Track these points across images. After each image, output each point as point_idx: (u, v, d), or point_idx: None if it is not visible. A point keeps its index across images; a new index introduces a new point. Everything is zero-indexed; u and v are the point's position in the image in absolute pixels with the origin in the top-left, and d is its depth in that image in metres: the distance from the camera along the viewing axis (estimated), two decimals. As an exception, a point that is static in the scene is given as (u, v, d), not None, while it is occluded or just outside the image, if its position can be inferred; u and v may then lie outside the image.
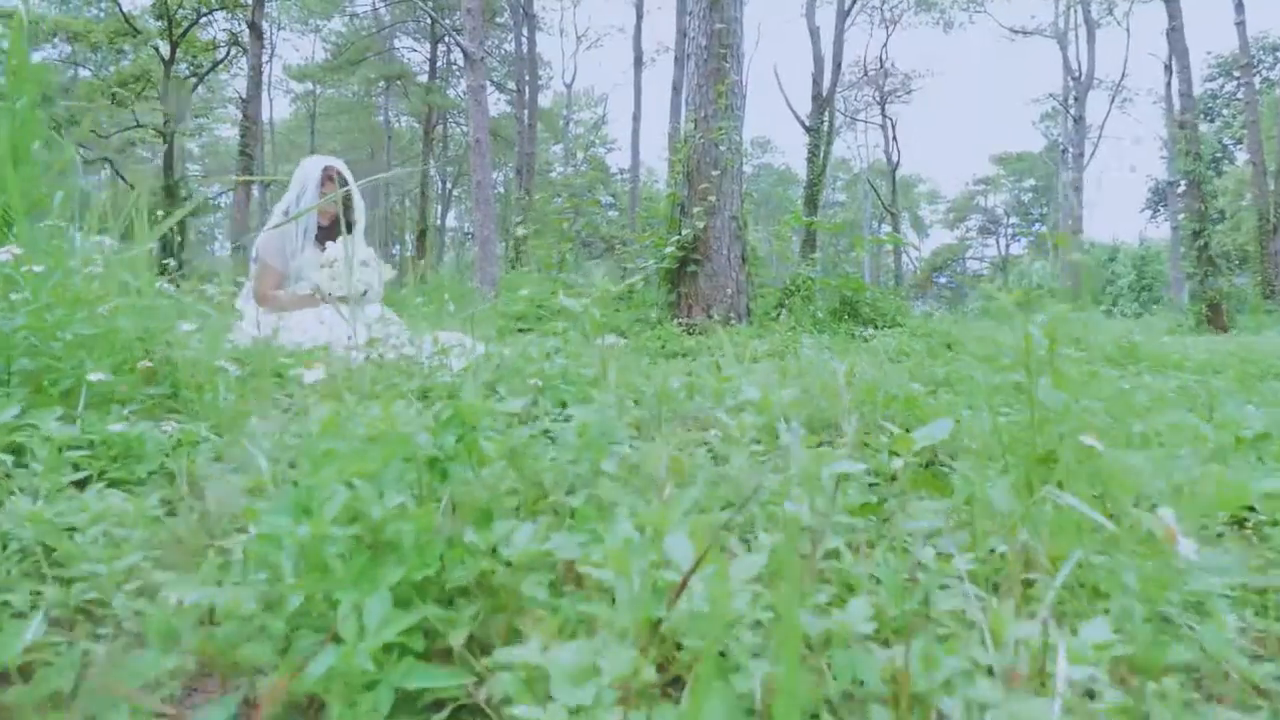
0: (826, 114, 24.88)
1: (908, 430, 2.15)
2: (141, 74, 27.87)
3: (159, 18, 26.28)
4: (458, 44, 19.06)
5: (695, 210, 7.06)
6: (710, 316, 6.83)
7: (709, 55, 7.11)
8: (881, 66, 38.94)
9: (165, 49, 26.68)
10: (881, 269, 45.54)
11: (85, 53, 28.32)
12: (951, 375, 2.91)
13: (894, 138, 42.09)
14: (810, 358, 3.08)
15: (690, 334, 6.13)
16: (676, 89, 21.47)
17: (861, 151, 51.62)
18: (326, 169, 3.73)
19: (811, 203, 21.84)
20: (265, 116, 39.04)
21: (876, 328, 6.63)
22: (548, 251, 7.81)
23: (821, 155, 24.12)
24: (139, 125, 29.32)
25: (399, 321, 3.56)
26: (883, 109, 42.67)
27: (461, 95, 32.24)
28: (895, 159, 42.08)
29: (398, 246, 49.26)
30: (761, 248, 7.79)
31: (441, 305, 10.84)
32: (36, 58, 27.91)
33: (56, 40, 27.62)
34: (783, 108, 42.10)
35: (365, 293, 3.67)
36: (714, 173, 7.11)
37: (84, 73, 29.45)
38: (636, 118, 31.76)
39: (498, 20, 35.38)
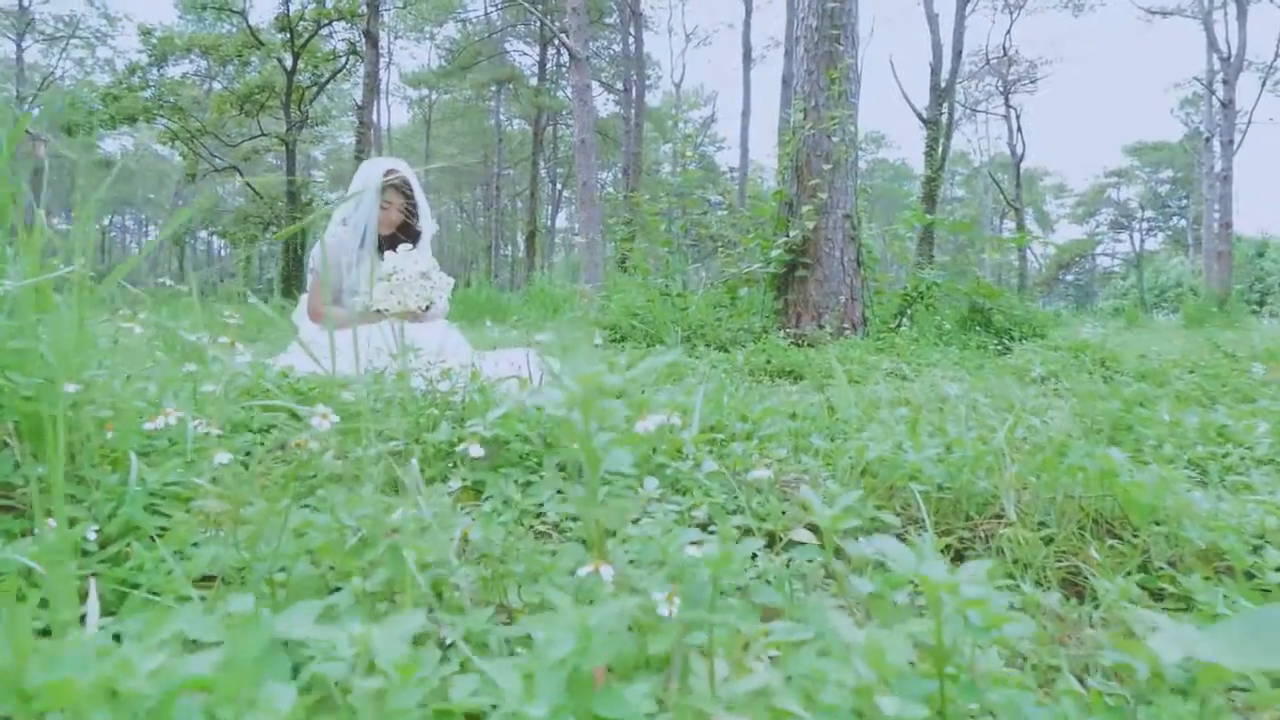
0: (945, 105, 23.67)
1: (1102, 522, 1.56)
2: (266, 84, 28.97)
3: (282, 30, 27.26)
4: (562, 44, 18.89)
5: (804, 209, 6.42)
6: (821, 326, 6.17)
7: (820, 37, 6.45)
8: (1005, 54, 36.95)
9: (288, 60, 27.64)
10: (1004, 267, 43.35)
11: (217, 67, 29.59)
12: (1143, 421, 2.27)
13: (1018, 129, 39.91)
14: (946, 393, 2.48)
15: (799, 346, 5.53)
16: (786, 83, 20.73)
17: (982, 144, 49.44)
18: (388, 173, 3.34)
19: (929, 199, 20.80)
20: (383, 123, 40.14)
21: (1012, 339, 5.86)
22: (644, 255, 7.30)
23: (940, 149, 22.92)
24: (263, 134, 30.53)
25: (463, 341, 3.14)
26: (1006, 99, 40.59)
27: (569, 96, 32.25)
28: (1020, 151, 39.89)
29: (509, 248, 49.88)
30: (875, 248, 7.10)
31: (544, 312, 10.56)
32: (175, 73, 29.45)
33: (193, 56, 28.98)
34: (897, 100, 40.51)
35: (427, 308, 3.27)
36: (825, 167, 6.46)
37: (217, 86, 30.76)
38: (745, 114, 31.16)
39: (606, 21, 35.31)
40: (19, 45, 37.87)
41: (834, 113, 6.42)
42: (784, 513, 1.54)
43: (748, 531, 1.42)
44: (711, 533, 1.52)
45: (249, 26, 27.89)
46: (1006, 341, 5.80)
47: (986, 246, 7.56)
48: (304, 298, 3.37)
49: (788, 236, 6.49)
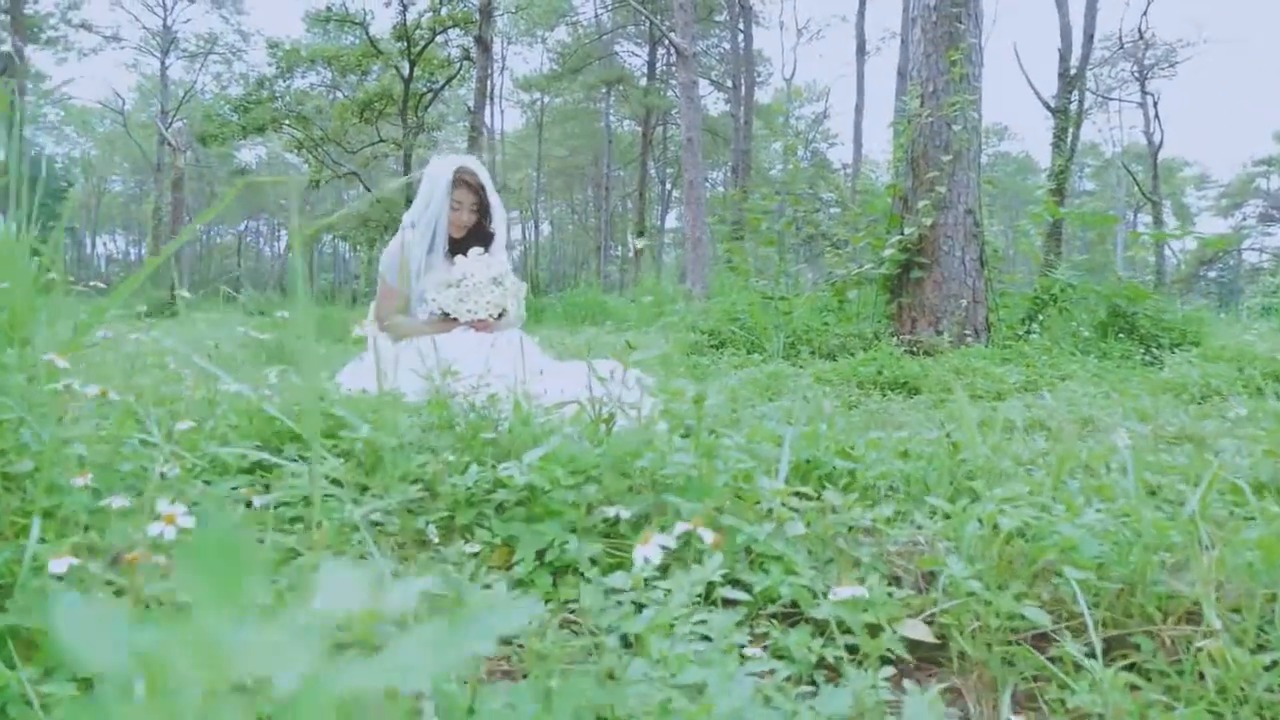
0: (1075, 93, 22.29)
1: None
2: (385, 92, 29.87)
3: (399, 39, 28.09)
4: (669, 41, 18.61)
5: (921, 204, 5.90)
6: (939, 333, 5.64)
7: (939, 17, 5.90)
8: (1141, 37, 34.62)
9: (405, 68, 28.44)
10: (1138, 264, 40.70)
11: (339, 77, 30.71)
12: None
13: (1155, 116, 37.36)
14: (1118, 447, 2.05)
15: (914, 354, 5.05)
16: (902, 74, 19.89)
17: (1114, 134, 46.60)
18: (458, 171, 3.10)
19: (1058, 192, 19.59)
20: (496, 127, 40.85)
21: (1159, 346, 5.20)
22: (745, 255, 6.90)
23: (1069, 139, 21.58)
24: (382, 140, 31.48)
25: (530, 349, 2.87)
26: (1142, 85, 38.12)
27: (678, 95, 31.97)
28: (1157, 140, 37.33)
29: (619, 248, 50.04)
30: (1000, 246, 6.50)
31: (647, 315, 10.30)
32: (302, 84, 30.81)
33: (317, 67, 30.23)
34: (1020, 90, 38.43)
35: (500, 316, 3.02)
36: (945, 158, 5.91)
37: (340, 95, 31.90)
38: (859, 109, 30.22)
39: (715, 18, 34.89)
40: (163, 62, 40.38)
41: (954, 98, 5.88)
42: (890, 595, 1.18)
43: (839, 627, 1.07)
44: (794, 624, 1.18)
45: (369, 37, 28.83)
46: (1154, 350, 5.16)
47: (1130, 242, 6.83)
48: (373, 305, 3.17)
49: (902, 234, 5.98)
